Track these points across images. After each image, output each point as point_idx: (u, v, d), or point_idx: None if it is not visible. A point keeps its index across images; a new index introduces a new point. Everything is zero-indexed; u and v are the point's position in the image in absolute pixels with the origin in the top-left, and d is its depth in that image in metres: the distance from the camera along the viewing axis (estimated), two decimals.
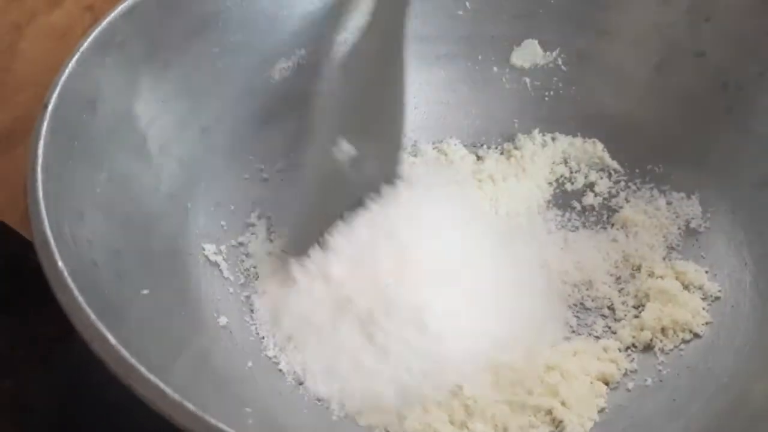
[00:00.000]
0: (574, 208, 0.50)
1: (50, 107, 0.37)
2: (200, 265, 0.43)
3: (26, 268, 0.32)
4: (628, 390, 0.41)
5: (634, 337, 0.43)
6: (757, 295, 0.43)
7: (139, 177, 0.42)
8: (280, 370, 0.41)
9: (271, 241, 0.47)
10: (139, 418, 0.30)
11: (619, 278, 0.47)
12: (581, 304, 0.45)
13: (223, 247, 0.45)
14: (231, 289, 0.44)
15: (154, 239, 0.41)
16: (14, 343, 0.44)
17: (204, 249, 0.44)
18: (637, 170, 0.51)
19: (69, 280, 0.31)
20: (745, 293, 0.44)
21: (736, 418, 0.38)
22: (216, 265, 0.44)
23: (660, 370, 0.42)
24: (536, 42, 0.53)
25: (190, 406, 0.28)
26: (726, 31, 0.48)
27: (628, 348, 0.43)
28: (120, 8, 0.42)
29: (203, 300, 0.42)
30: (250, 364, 0.40)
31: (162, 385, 0.28)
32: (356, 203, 0.45)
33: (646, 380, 0.42)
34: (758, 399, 0.38)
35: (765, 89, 0.47)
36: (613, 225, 0.49)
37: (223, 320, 0.42)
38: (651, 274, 0.46)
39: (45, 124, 0.37)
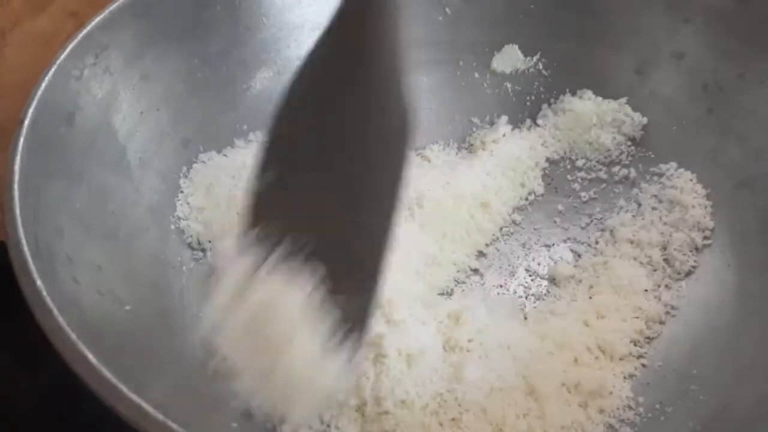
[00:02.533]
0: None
1: (26, 122, 0.37)
2: (183, 277, 0.43)
3: (9, 270, 0.32)
4: None
5: None
6: (740, 296, 0.43)
7: (119, 191, 0.41)
8: None
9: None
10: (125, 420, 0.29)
11: None
12: None
13: (207, 259, 0.44)
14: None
15: (136, 253, 0.41)
16: (0, 346, 0.43)
17: (187, 262, 0.43)
18: None
19: (48, 300, 0.31)
20: (728, 294, 0.44)
21: (725, 420, 0.38)
22: (199, 276, 0.43)
23: (645, 374, 0.42)
24: (516, 47, 0.53)
25: (175, 426, 0.28)
26: (706, 32, 0.49)
27: None
28: (97, 20, 0.42)
29: (186, 313, 0.41)
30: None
31: (145, 405, 0.28)
32: None
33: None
34: (748, 401, 0.38)
35: (745, 90, 0.47)
36: None
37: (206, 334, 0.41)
38: None
39: (21, 139, 0.36)
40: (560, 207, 0.50)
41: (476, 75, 0.53)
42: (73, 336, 0.30)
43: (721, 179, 0.47)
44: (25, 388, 0.42)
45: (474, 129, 0.53)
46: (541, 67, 0.53)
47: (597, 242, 0.48)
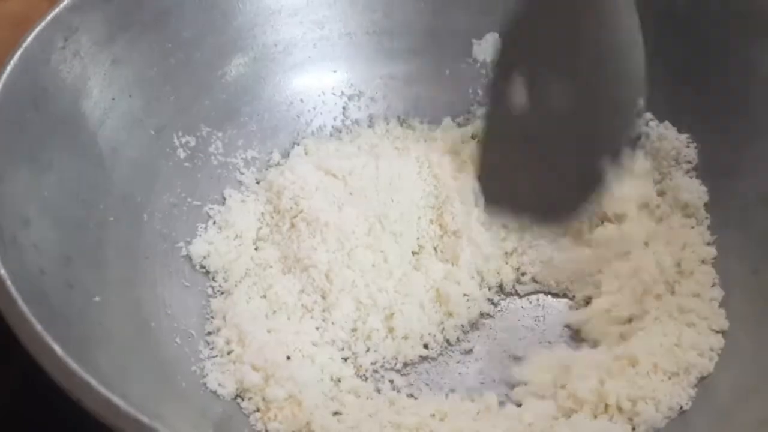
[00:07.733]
0: None
1: None
2: (156, 268, 0.41)
3: None
4: None
5: None
6: (723, 282, 0.42)
7: (89, 179, 0.40)
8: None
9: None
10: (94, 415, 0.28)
11: None
12: None
13: (179, 248, 0.43)
14: (189, 292, 0.42)
15: (107, 243, 0.39)
16: None
17: (159, 252, 0.42)
18: None
19: (12, 289, 0.29)
20: None
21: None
22: (172, 267, 0.42)
23: None
24: (498, 36, 0.52)
25: (145, 420, 0.26)
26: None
27: None
28: (66, 2, 0.40)
29: (159, 305, 0.40)
30: (210, 370, 0.39)
31: (115, 399, 0.27)
32: None
33: None
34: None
35: None
36: None
37: (180, 325, 0.40)
38: None
39: None
40: None
41: (457, 63, 0.52)
42: (39, 327, 0.28)
43: None
44: None
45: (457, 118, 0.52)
46: None
47: None
